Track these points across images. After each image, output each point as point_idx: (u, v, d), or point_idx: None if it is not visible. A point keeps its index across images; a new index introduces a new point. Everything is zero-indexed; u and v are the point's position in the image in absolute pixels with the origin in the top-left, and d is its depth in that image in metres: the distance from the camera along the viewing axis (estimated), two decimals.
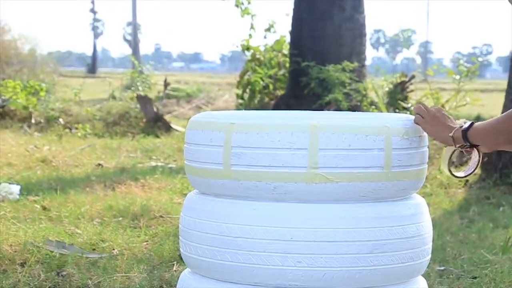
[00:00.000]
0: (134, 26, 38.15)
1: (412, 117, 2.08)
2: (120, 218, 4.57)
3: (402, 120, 2.05)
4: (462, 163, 6.73)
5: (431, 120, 1.99)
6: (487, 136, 1.92)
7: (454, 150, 1.99)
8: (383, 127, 1.97)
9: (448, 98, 9.93)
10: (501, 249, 3.97)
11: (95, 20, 54.90)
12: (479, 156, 1.95)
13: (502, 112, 6.21)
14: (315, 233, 1.94)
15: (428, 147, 2.13)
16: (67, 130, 9.91)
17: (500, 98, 6.62)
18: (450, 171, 2.02)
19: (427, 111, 2.00)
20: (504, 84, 6.92)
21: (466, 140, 1.93)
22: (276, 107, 9.28)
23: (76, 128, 9.90)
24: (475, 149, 1.94)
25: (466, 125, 1.93)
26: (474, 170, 2.00)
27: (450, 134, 1.95)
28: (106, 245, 3.92)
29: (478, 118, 12.30)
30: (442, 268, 3.63)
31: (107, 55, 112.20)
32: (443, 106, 9.68)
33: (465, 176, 2.03)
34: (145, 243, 4.02)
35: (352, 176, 1.94)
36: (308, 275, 1.94)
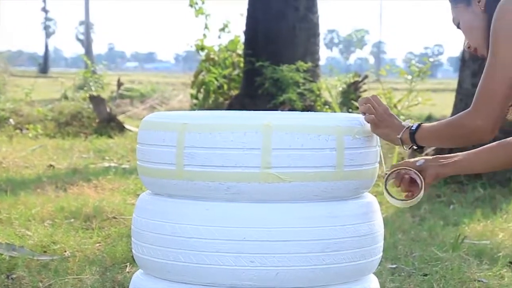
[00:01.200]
0: (87, 25, 37.77)
1: (364, 116, 2.09)
2: (72, 220, 4.52)
3: (354, 119, 2.07)
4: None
5: (379, 121, 2.01)
6: (432, 139, 1.98)
7: (389, 174, 2.04)
8: (335, 127, 1.99)
9: (400, 98, 10.05)
10: (451, 246, 4.03)
11: (47, 19, 54.19)
12: (421, 191, 2.02)
13: (453, 112, 6.33)
14: (268, 233, 1.94)
15: (380, 146, 2.16)
16: (17, 130, 9.76)
17: (451, 98, 6.72)
18: (389, 194, 2.05)
19: (375, 110, 2.02)
20: (454, 84, 7.04)
21: (413, 141, 1.97)
22: (230, 107, 9.28)
23: (27, 129, 9.76)
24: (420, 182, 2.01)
25: (413, 127, 1.97)
26: (414, 199, 2.05)
27: (398, 136, 1.99)
28: (58, 247, 3.87)
29: (429, 118, 12.49)
30: (394, 266, 3.67)
31: (60, 54, 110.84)
32: (395, 105, 9.79)
33: (407, 202, 2.06)
34: (97, 244, 3.98)
35: (305, 176, 1.95)
36: (261, 274, 1.94)
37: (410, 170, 2.03)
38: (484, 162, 2.04)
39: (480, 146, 2.04)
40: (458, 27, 2.01)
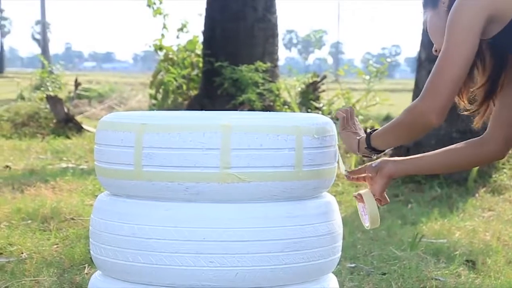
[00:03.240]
0: (43, 24, 37.29)
1: (323, 116, 2.13)
2: (29, 221, 4.46)
3: (313, 119, 2.08)
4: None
5: (346, 126, 2.12)
6: (385, 135, 2.02)
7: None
8: (294, 127, 1.99)
9: (359, 98, 10.13)
10: (409, 245, 4.07)
11: (2, 18, 53.44)
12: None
13: None
14: (227, 233, 1.94)
15: (338, 146, 2.17)
16: None
17: (409, 98, 6.80)
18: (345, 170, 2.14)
19: (346, 121, 2.12)
20: (412, 84, 7.12)
21: (368, 143, 2.04)
22: (189, 108, 9.25)
23: None
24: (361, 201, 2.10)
25: (368, 131, 2.05)
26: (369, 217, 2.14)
27: (357, 138, 2.07)
28: (14, 249, 3.82)
29: (388, 118, 12.59)
30: (353, 265, 3.69)
31: (15, 54, 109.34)
32: (353, 106, 9.87)
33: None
34: (55, 246, 3.94)
35: (264, 176, 1.96)
36: (220, 275, 1.94)
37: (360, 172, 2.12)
38: (440, 162, 2.07)
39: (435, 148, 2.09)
40: (427, 30, 2.05)
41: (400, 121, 1.96)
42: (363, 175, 2.12)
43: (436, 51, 2.01)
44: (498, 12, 1.86)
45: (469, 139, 2.09)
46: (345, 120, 2.11)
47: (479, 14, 1.84)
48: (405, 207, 5.42)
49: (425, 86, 1.90)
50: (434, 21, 2.00)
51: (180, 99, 10.21)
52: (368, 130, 2.07)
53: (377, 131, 2.04)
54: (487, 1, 1.86)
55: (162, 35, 10.66)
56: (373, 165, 2.08)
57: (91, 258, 2.40)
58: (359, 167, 2.15)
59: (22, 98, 13.40)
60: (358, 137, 2.07)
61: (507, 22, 1.87)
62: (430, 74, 1.90)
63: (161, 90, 10.42)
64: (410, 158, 2.08)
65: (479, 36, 1.87)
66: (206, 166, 1.93)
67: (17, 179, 5.99)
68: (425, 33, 6.29)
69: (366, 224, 2.10)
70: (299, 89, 10.15)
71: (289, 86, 10.06)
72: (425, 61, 6.38)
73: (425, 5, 2.05)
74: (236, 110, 8.38)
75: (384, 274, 3.54)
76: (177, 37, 10.80)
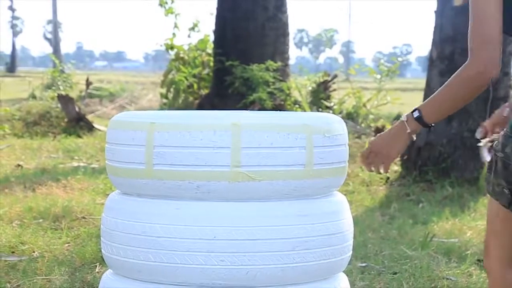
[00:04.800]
0: (55, 24, 37.41)
1: (333, 115, 2.13)
2: (41, 220, 4.48)
3: (323, 118, 2.08)
4: None
5: (379, 149, 2.02)
6: (440, 110, 1.96)
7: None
8: (304, 126, 1.99)
9: (370, 97, 10.11)
10: (420, 244, 4.06)
11: (14, 18, 53.58)
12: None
13: None
14: (238, 232, 1.94)
15: (349, 145, 2.17)
16: None
17: (420, 97, 6.78)
18: None
19: (369, 150, 2.05)
20: (423, 83, 7.10)
21: (424, 125, 1.97)
22: (200, 107, 9.26)
23: None
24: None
25: (415, 114, 1.97)
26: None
27: (408, 131, 1.98)
28: (26, 248, 3.83)
29: (398, 117, 12.57)
30: (364, 264, 3.69)
31: (27, 53, 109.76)
32: (364, 105, 9.85)
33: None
34: (66, 245, 3.95)
35: (275, 174, 1.96)
36: (231, 273, 1.94)
37: None
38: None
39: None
40: None
41: (455, 93, 1.91)
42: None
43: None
44: None
45: None
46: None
47: None
48: (416, 207, 5.40)
49: (471, 46, 1.85)
50: None
51: (191, 98, 10.22)
52: (406, 114, 1.98)
53: (424, 108, 1.96)
54: None
55: (174, 34, 10.68)
56: (504, 113, 2.02)
57: (102, 256, 2.41)
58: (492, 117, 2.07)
59: (33, 97, 13.45)
60: (407, 130, 1.97)
61: None
62: (472, 33, 1.85)
63: (172, 89, 10.43)
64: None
65: None
66: (217, 165, 1.94)
67: (28, 178, 6.01)
68: (436, 32, 6.27)
69: None
70: (310, 88, 10.14)
71: (299, 85, 10.05)
72: (437, 60, 6.36)
73: None
74: (247, 109, 8.39)
75: (395, 273, 3.53)
76: (188, 36, 10.82)
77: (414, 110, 1.98)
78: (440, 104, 1.96)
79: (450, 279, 3.48)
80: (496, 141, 1.93)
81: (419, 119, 1.97)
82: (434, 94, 1.98)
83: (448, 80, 1.94)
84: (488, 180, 1.93)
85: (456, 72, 1.91)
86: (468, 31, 1.87)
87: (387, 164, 2.03)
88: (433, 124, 1.99)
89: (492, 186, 1.91)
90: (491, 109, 2.09)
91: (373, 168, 2.04)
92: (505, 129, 1.92)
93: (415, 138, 2.01)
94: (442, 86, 1.96)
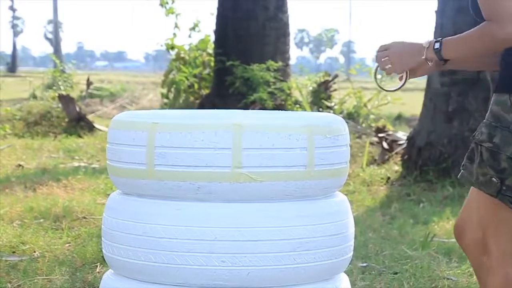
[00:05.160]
0: (56, 24, 37.40)
1: (334, 116, 2.13)
2: (41, 220, 4.48)
3: (324, 119, 2.08)
4: (384, 161, 6.87)
5: (395, 54, 2.08)
6: (458, 51, 2.04)
7: (377, 67, 2.12)
8: (306, 126, 1.99)
9: (370, 97, 10.11)
10: (421, 244, 4.06)
11: (15, 18, 53.58)
12: (407, 77, 2.11)
13: (422, 111, 6.37)
14: (239, 233, 1.94)
15: (350, 146, 2.17)
16: None
17: (420, 97, 6.77)
18: (380, 86, 2.20)
19: (387, 56, 2.09)
20: (423, 83, 7.09)
21: (441, 58, 2.04)
22: (201, 107, 9.26)
23: None
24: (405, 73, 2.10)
25: (436, 46, 2.04)
26: (403, 85, 2.15)
27: (423, 57, 2.05)
28: (27, 248, 3.83)
29: (399, 117, 12.57)
30: (365, 264, 3.68)
31: (28, 53, 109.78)
32: (365, 105, 9.86)
33: (395, 90, 2.19)
34: (67, 244, 3.95)
35: (276, 175, 1.95)
36: (232, 274, 1.94)
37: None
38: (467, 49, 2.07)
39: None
40: None
41: (479, 46, 1.98)
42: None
43: None
44: None
45: None
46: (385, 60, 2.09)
47: None
48: (417, 207, 5.40)
49: (495, 10, 1.92)
50: None
51: (191, 98, 10.23)
52: (429, 41, 2.05)
53: (446, 43, 2.04)
54: None
55: (174, 34, 10.68)
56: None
57: (103, 257, 2.41)
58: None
59: (34, 97, 13.45)
60: (423, 56, 2.05)
61: None
62: (491, 3, 1.92)
63: (172, 89, 10.43)
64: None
65: None
66: (218, 166, 1.93)
67: (29, 178, 6.01)
68: (437, 31, 6.27)
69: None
70: (311, 88, 10.14)
71: (300, 85, 10.05)
72: None
73: None
74: (248, 109, 8.39)
75: (396, 273, 3.53)
76: (189, 36, 10.82)
77: (437, 41, 2.05)
78: (461, 45, 2.02)
79: (451, 279, 3.48)
80: (477, 132, 1.98)
81: (437, 52, 2.03)
82: (458, 35, 2.04)
83: (470, 30, 2.00)
84: (470, 170, 1.97)
85: (479, 27, 1.97)
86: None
87: (392, 70, 2.08)
88: (447, 60, 2.05)
89: (476, 176, 1.95)
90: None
91: (386, 67, 2.09)
92: (486, 119, 1.97)
93: (430, 64, 2.07)
94: (465, 33, 2.02)
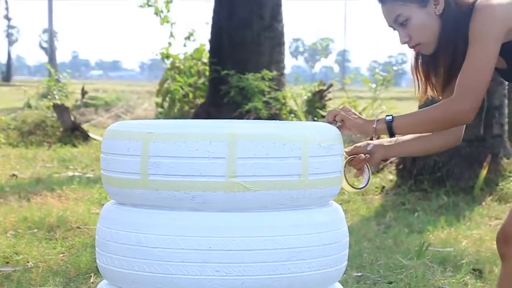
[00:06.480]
0: (51, 33, 37.38)
1: (329, 125, 2.13)
2: (35, 230, 4.47)
3: (319, 128, 2.08)
4: (378, 170, 6.87)
5: (347, 118, 2.22)
6: (411, 126, 2.20)
7: (346, 163, 2.22)
8: (300, 136, 1.99)
9: (365, 106, 10.13)
10: (416, 254, 4.06)
11: (10, 27, 53.56)
12: (370, 173, 2.28)
13: None
14: (233, 242, 1.94)
15: (344, 156, 2.17)
16: None
17: (415, 106, 6.79)
18: (350, 185, 2.26)
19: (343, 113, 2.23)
20: None
21: (390, 130, 2.18)
22: (196, 116, 9.26)
23: None
24: (366, 167, 2.26)
25: (388, 118, 2.18)
26: (368, 183, 2.29)
27: (373, 126, 2.18)
28: (21, 258, 3.82)
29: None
30: (359, 274, 3.68)
31: (23, 62, 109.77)
32: (360, 113, 9.88)
33: (362, 188, 2.29)
34: (61, 255, 3.94)
35: (270, 185, 1.95)
36: (227, 284, 1.94)
37: (362, 159, 2.25)
38: (421, 148, 2.29)
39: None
40: (401, 23, 2.21)
41: (433, 117, 2.14)
42: (354, 155, 2.28)
43: (406, 42, 2.21)
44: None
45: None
46: (345, 111, 2.23)
47: (505, 26, 2.11)
48: (412, 216, 5.40)
49: (461, 87, 2.09)
50: (421, 17, 2.18)
51: (186, 108, 10.23)
52: (380, 117, 2.19)
53: (399, 120, 2.17)
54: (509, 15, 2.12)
55: (169, 43, 10.70)
56: (368, 148, 2.26)
57: (97, 267, 2.40)
58: (352, 146, 2.29)
59: (29, 106, 13.43)
60: (373, 125, 2.18)
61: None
62: (463, 76, 2.10)
63: (167, 99, 10.44)
64: (397, 144, 2.28)
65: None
66: (212, 175, 1.93)
67: (23, 188, 6.00)
68: None
69: (347, 188, 2.24)
70: (306, 97, 10.15)
71: (295, 94, 10.07)
72: None
73: (409, 1, 2.18)
74: (243, 118, 8.39)
75: (391, 283, 3.53)
76: (184, 45, 10.84)
77: (389, 115, 2.20)
78: (415, 123, 2.18)
79: None
80: None
81: (388, 123, 2.17)
82: (412, 112, 2.22)
83: (431, 106, 2.16)
84: None
85: (441, 102, 2.15)
86: (464, 69, 2.10)
87: (343, 126, 2.21)
88: (396, 135, 2.20)
89: None
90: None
91: (331, 119, 2.23)
92: None
93: (375, 138, 2.22)
94: (422, 109, 2.18)
